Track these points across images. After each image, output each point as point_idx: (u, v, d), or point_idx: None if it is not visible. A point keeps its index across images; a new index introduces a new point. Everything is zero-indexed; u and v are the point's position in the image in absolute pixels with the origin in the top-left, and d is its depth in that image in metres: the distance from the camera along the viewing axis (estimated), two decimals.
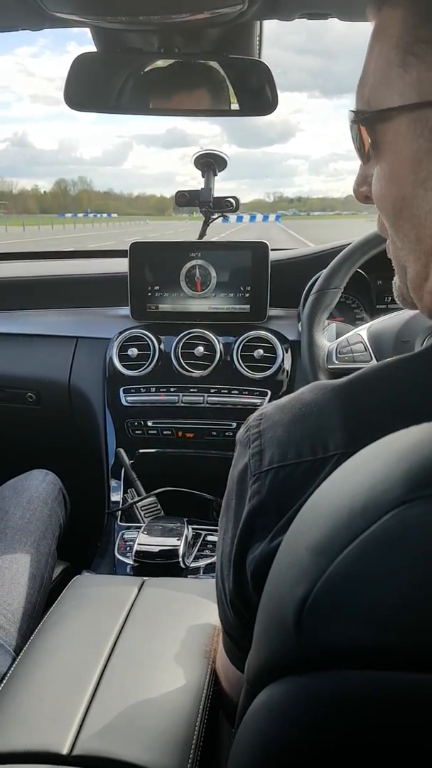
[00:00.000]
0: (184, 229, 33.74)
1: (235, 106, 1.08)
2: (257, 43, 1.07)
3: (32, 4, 0.86)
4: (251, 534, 0.50)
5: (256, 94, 1.05)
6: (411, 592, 0.30)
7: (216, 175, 1.43)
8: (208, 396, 1.42)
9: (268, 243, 1.46)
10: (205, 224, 1.52)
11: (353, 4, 0.91)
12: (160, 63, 1.05)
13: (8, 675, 0.72)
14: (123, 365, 1.45)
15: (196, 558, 1.20)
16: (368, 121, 0.49)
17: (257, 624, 0.43)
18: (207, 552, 1.21)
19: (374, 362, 1.14)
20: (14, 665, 0.73)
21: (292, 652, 0.35)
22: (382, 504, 0.31)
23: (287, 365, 1.43)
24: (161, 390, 1.44)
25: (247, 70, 1.05)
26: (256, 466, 0.50)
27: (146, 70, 1.05)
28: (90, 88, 1.04)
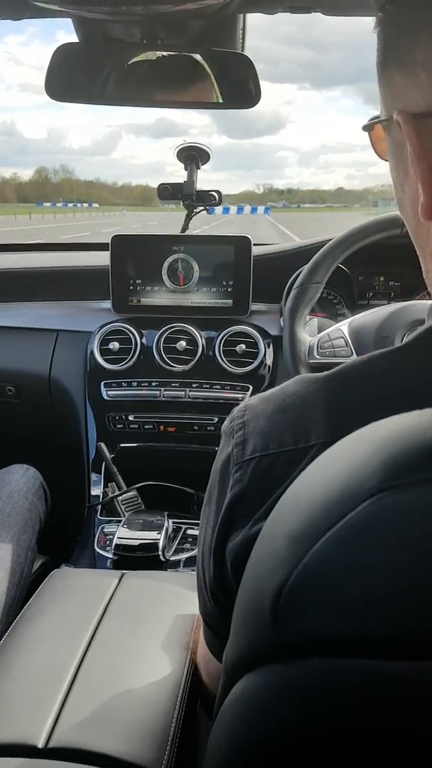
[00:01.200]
0: (156, 222, 31.60)
1: (217, 99, 1.08)
2: (240, 35, 1.06)
3: None
4: (232, 522, 0.50)
5: (239, 86, 1.05)
6: (387, 580, 0.30)
7: (199, 168, 1.43)
8: (190, 390, 1.42)
9: (250, 237, 1.46)
10: (188, 218, 1.51)
11: (337, 0, 0.91)
12: (143, 54, 1.04)
13: None
14: (104, 359, 1.44)
15: (176, 551, 1.20)
16: (367, 127, 0.54)
17: (235, 614, 0.43)
18: (187, 545, 1.21)
19: (355, 357, 1.15)
20: None
21: (269, 640, 0.35)
22: (359, 493, 0.31)
23: (269, 360, 1.43)
24: (143, 384, 1.43)
25: (229, 62, 1.05)
26: (238, 456, 0.51)
27: (129, 61, 1.05)
28: (71, 79, 1.03)
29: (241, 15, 1.03)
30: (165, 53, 1.05)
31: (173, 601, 0.84)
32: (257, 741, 0.36)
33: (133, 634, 0.77)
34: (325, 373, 0.51)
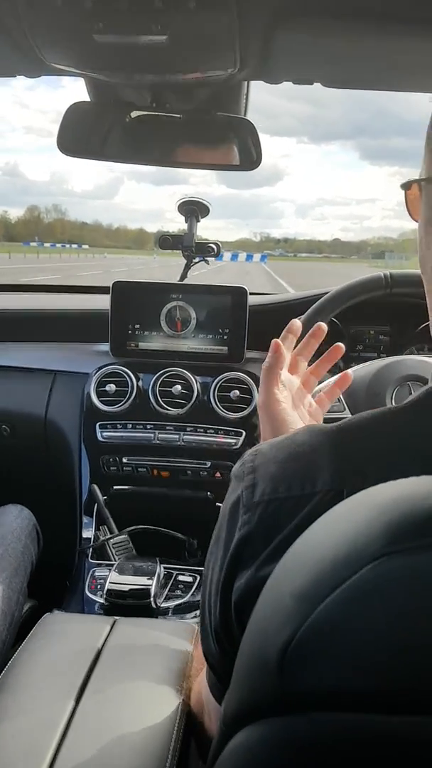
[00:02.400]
0: (140, 266, 32.52)
1: (219, 161, 1.13)
2: (244, 101, 1.12)
3: (30, 54, 0.90)
4: (238, 562, 0.52)
5: (241, 150, 1.10)
6: (389, 640, 0.32)
7: (198, 221, 1.48)
8: (184, 434, 1.44)
9: (246, 288, 1.50)
10: (187, 267, 1.56)
11: (336, 74, 0.97)
12: (152, 115, 1.09)
13: None
14: (100, 401, 1.46)
15: (167, 598, 1.20)
16: (405, 186, 0.59)
17: (237, 664, 0.44)
18: (178, 592, 1.21)
19: (347, 412, 1.18)
20: None
21: (273, 694, 0.36)
22: (363, 556, 0.33)
23: None
24: (137, 426, 1.45)
25: (233, 127, 1.11)
26: (248, 498, 0.53)
27: (136, 119, 1.10)
28: (82, 136, 1.08)
29: (246, 82, 1.09)
30: (171, 114, 1.10)
31: (166, 648, 0.85)
32: None
33: (126, 682, 0.77)
34: (334, 424, 0.54)
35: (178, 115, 1.08)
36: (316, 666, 0.34)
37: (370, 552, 0.33)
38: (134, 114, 1.11)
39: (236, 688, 0.43)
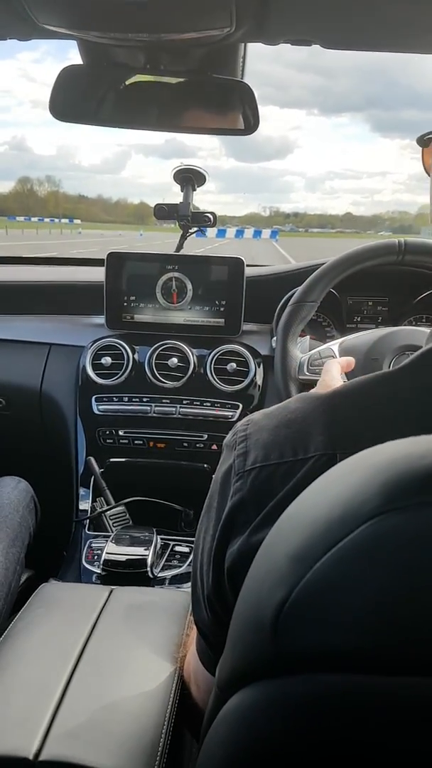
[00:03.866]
0: (125, 245, 26.51)
1: (216, 125, 1.10)
2: (241, 64, 1.09)
3: (22, 14, 0.87)
4: (231, 529, 0.52)
5: (238, 114, 1.08)
6: (385, 599, 0.31)
7: (195, 189, 1.46)
8: (181, 407, 1.43)
9: (243, 259, 1.48)
10: (183, 237, 1.54)
11: (334, 34, 0.95)
12: (145, 78, 1.07)
13: None
14: (96, 374, 1.45)
15: (164, 568, 1.20)
16: (422, 142, 0.59)
17: (231, 627, 0.44)
18: (175, 562, 1.22)
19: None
20: None
21: (268, 655, 0.36)
22: (359, 515, 0.33)
23: (259, 379, 1.45)
24: (134, 399, 1.44)
25: (229, 90, 1.08)
26: (240, 466, 0.53)
27: (131, 84, 1.07)
28: (75, 100, 1.05)
29: (243, 44, 1.06)
30: (166, 78, 1.07)
31: (162, 616, 0.85)
32: (254, 754, 0.36)
33: (123, 649, 0.77)
34: (327, 391, 0.54)
35: (173, 79, 1.05)
36: (312, 626, 0.34)
37: (366, 511, 0.33)
38: (126, 76, 1.08)
39: (230, 651, 0.43)
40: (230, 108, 1.08)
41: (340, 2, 0.84)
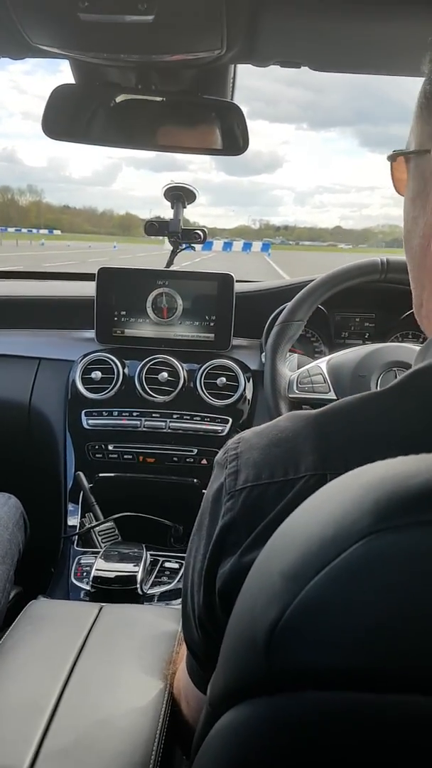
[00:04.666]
0: (105, 257, 25.60)
1: (206, 145, 1.12)
2: (231, 84, 1.11)
3: (16, 34, 0.88)
4: (222, 550, 0.52)
5: (228, 134, 1.10)
6: (378, 618, 0.32)
7: (185, 207, 1.47)
8: (171, 421, 1.43)
9: (233, 275, 1.49)
10: (173, 254, 1.55)
11: (323, 56, 0.97)
12: (137, 98, 1.08)
13: None
14: (86, 388, 1.45)
15: (153, 584, 1.20)
16: (391, 158, 0.59)
17: (224, 645, 0.44)
18: (164, 578, 1.21)
19: (332, 394, 1.18)
20: None
21: (260, 673, 0.36)
22: (351, 534, 0.33)
23: (248, 394, 1.46)
24: (123, 414, 1.44)
25: (220, 111, 1.10)
26: (231, 485, 0.53)
27: (123, 104, 1.09)
28: (67, 119, 1.06)
29: (233, 65, 1.08)
30: (158, 98, 1.09)
31: (152, 634, 0.85)
32: None
33: (113, 666, 0.77)
34: (317, 410, 0.54)
35: (164, 98, 1.07)
36: (305, 645, 0.34)
37: (357, 530, 0.33)
38: (120, 98, 1.10)
39: (223, 669, 0.43)
40: (220, 128, 1.10)
41: (328, 26, 0.86)
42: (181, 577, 1.23)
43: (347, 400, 0.54)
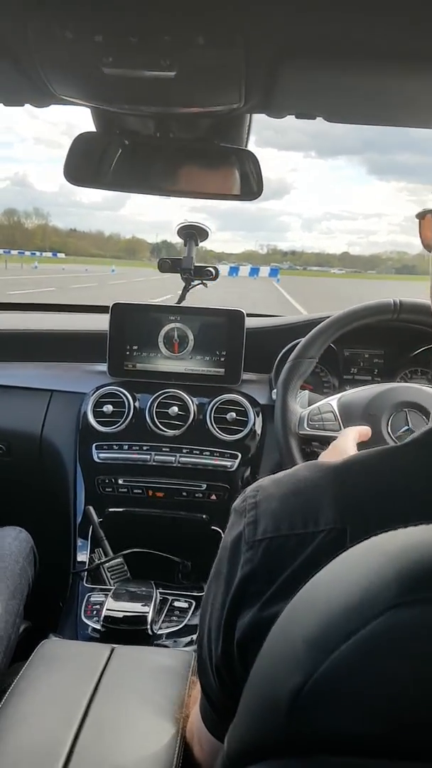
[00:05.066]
0: (92, 283, 23.11)
1: (221, 190, 1.15)
2: (246, 131, 1.14)
3: (41, 86, 0.92)
4: (242, 600, 0.53)
5: (243, 180, 1.12)
6: (399, 688, 0.33)
7: (197, 245, 1.50)
8: (180, 456, 1.44)
9: (243, 311, 1.51)
10: (185, 290, 1.58)
11: (337, 109, 1.00)
12: (155, 145, 1.11)
13: None
14: (97, 421, 1.46)
15: (163, 624, 1.19)
16: (420, 215, 0.62)
17: (243, 701, 0.45)
18: (174, 619, 1.21)
19: (343, 429, 1.19)
20: None
21: (282, 735, 0.37)
22: (376, 605, 0.34)
23: (258, 429, 1.47)
24: (134, 448, 1.45)
25: (236, 157, 1.12)
26: (250, 535, 0.54)
27: (141, 150, 1.12)
28: (88, 166, 1.09)
29: (249, 114, 1.11)
30: (175, 145, 1.12)
31: (164, 677, 0.85)
32: None
33: (126, 711, 0.77)
34: (336, 461, 0.55)
35: (181, 145, 1.10)
36: (328, 712, 0.35)
37: (381, 601, 0.34)
38: (138, 145, 1.13)
39: (242, 725, 0.44)
40: (235, 174, 1.13)
41: (347, 80, 0.89)
42: (189, 616, 1.22)
43: (365, 452, 0.56)
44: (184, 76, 0.82)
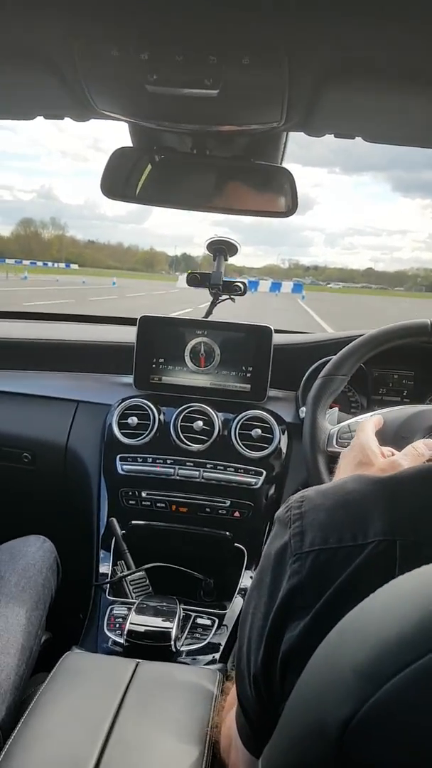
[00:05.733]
0: (94, 297, 21.07)
1: (256, 207, 1.15)
2: (282, 149, 1.15)
3: (83, 100, 0.93)
4: (288, 613, 0.52)
5: (278, 197, 1.13)
6: None
7: (227, 260, 1.50)
8: (204, 471, 1.43)
9: (271, 327, 1.51)
10: (213, 304, 1.58)
11: (377, 131, 1.00)
12: (191, 161, 1.12)
13: (1, 755, 0.70)
14: (122, 433, 1.46)
15: (185, 641, 1.18)
16: None
17: (283, 725, 0.44)
18: (197, 635, 1.20)
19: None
20: (8, 745, 0.72)
21: (329, 764, 0.36)
22: (430, 638, 0.34)
23: (283, 447, 1.46)
24: (158, 461, 1.45)
25: (271, 175, 1.13)
26: (297, 546, 0.53)
27: (177, 167, 1.13)
28: (125, 180, 1.11)
29: (286, 132, 1.12)
30: (211, 163, 1.13)
31: (189, 696, 0.84)
32: None
33: (151, 729, 0.76)
34: (384, 474, 0.55)
35: (217, 162, 1.11)
36: (379, 744, 0.34)
37: None
38: (174, 161, 1.14)
39: (283, 747, 0.43)
40: (271, 191, 1.13)
41: (386, 103, 0.89)
42: (213, 634, 1.21)
43: (418, 467, 0.55)
44: (227, 95, 0.83)
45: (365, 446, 0.87)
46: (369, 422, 0.97)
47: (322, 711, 0.38)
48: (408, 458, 0.84)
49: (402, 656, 0.34)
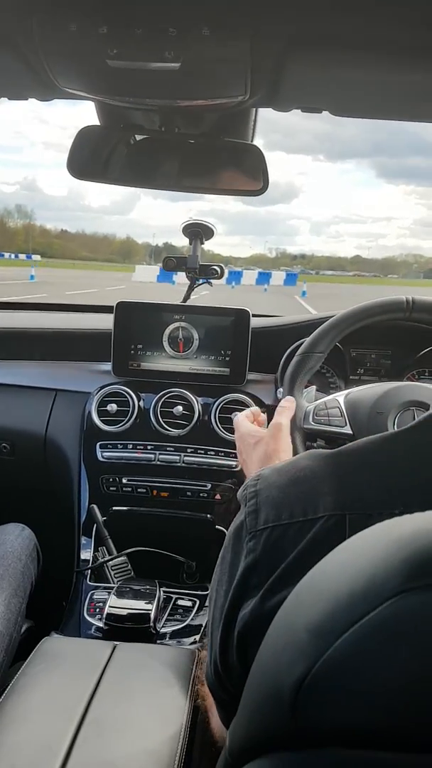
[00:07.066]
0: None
1: (227, 186, 1.14)
2: (252, 127, 1.14)
3: (45, 78, 0.91)
4: (244, 590, 0.52)
5: (248, 175, 1.12)
6: (408, 677, 0.32)
7: (203, 243, 1.49)
8: (185, 455, 1.43)
9: (249, 310, 1.50)
10: (190, 288, 1.57)
11: (344, 102, 0.99)
12: (160, 139, 1.11)
13: None
14: (101, 420, 1.46)
15: (166, 623, 1.18)
16: None
17: (245, 694, 0.43)
18: (177, 617, 1.20)
19: (348, 428, 1.18)
20: None
21: (285, 728, 0.36)
22: (382, 592, 0.33)
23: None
24: (138, 447, 1.44)
25: (241, 152, 1.12)
26: (251, 524, 0.53)
27: (145, 145, 1.11)
28: (91, 160, 1.09)
29: (254, 108, 1.10)
30: (180, 140, 1.11)
31: (166, 675, 0.84)
32: None
33: (127, 709, 0.76)
34: (335, 450, 0.55)
35: (186, 140, 1.09)
36: (333, 702, 0.34)
37: (388, 588, 0.33)
38: (142, 139, 1.12)
39: (244, 719, 0.43)
40: (241, 169, 1.12)
41: (353, 74, 0.88)
42: (193, 615, 1.21)
43: (366, 440, 0.55)
44: (189, 67, 0.82)
45: (242, 440, 1.02)
46: (243, 417, 1.09)
47: (278, 675, 0.37)
48: (282, 416, 1.01)
49: (354, 610, 0.34)
